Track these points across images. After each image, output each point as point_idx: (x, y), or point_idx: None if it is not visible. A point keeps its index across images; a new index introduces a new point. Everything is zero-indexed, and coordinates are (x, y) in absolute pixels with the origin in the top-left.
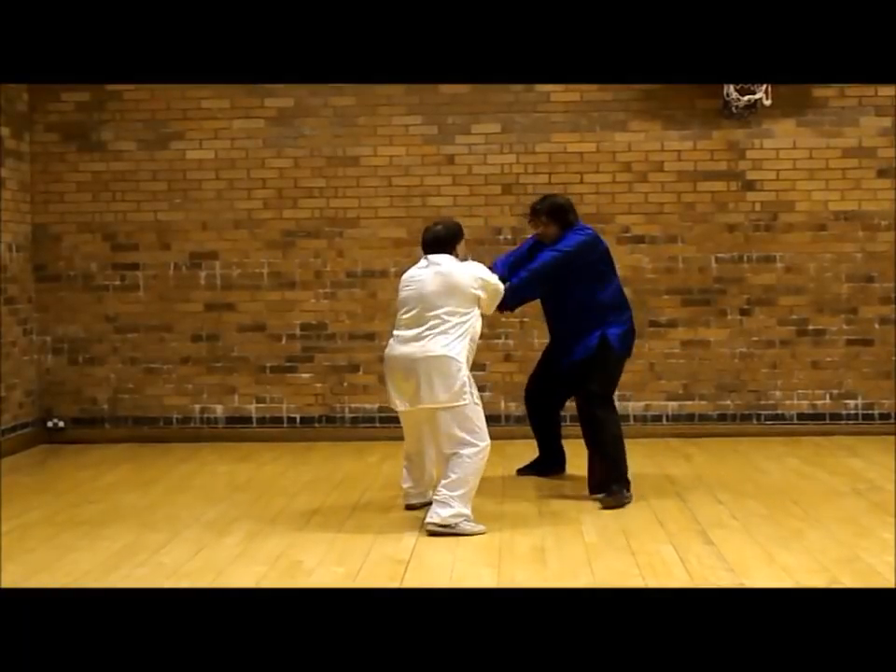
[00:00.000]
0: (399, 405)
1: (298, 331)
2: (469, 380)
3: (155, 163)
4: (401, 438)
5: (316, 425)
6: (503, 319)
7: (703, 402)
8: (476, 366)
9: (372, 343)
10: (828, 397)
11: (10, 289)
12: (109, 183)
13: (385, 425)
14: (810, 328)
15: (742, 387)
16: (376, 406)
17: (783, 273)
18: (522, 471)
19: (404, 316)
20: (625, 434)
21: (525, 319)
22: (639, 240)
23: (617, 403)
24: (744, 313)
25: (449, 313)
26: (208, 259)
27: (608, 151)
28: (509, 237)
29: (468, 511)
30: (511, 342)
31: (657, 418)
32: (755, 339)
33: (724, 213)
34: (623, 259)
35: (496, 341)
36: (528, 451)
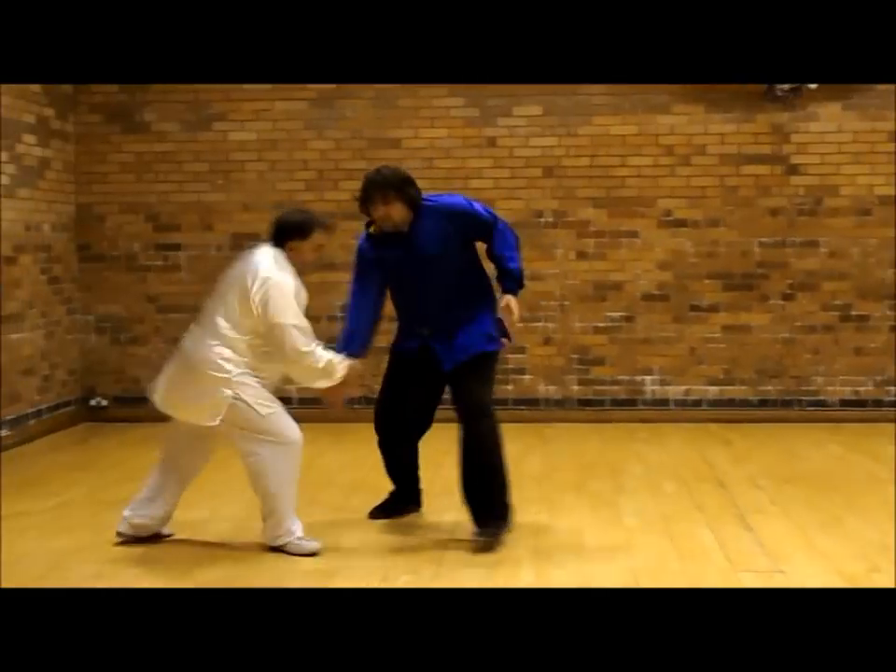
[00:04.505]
0: None
1: (338, 312)
2: None
3: (197, 145)
4: None
5: (356, 406)
6: (542, 303)
7: (744, 387)
8: (517, 349)
9: None
10: (870, 383)
11: (55, 269)
12: (152, 164)
13: None
14: (853, 313)
15: (783, 373)
16: None
17: (826, 258)
18: (375, 514)
19: None
20: (665, 418)
21: (566, 302)
22: (681, 224)
23: (657, 387)
24: (786, 298)
25: None
26: (250, 240)
27: (650, 134)
28: (550, 220)
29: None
30: (550, 325)
31: (697, 403)
32: (797, 324)
33: (767, 197)
34: (665, 243)
35: (535, 324)
36: (565, 433)
